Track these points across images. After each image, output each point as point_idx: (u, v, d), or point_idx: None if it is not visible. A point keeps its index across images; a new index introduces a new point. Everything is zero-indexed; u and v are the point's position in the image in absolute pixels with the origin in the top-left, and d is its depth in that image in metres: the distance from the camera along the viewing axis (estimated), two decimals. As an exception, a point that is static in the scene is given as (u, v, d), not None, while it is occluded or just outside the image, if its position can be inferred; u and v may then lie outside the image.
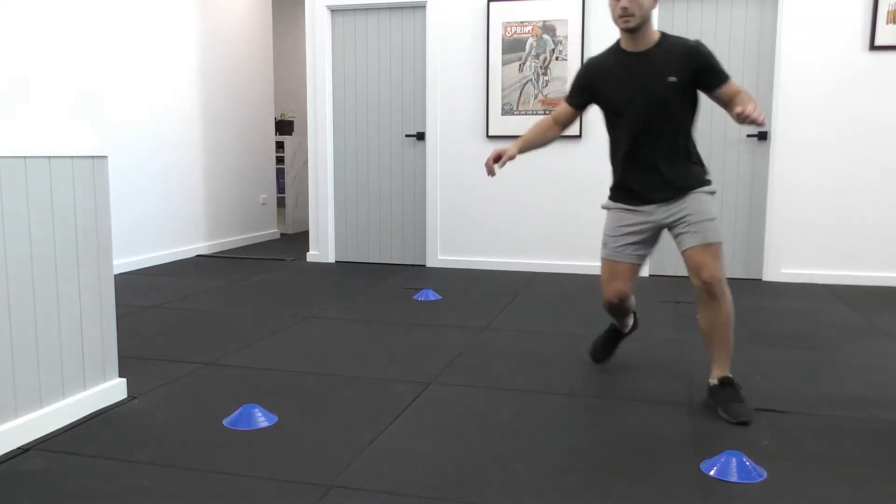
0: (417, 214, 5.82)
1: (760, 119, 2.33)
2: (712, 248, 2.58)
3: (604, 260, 2.83)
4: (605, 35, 5.23)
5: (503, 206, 5.58)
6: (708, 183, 2.69)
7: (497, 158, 2.71)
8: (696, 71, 2.57)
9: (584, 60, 2.86)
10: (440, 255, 5.75)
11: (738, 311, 4.17)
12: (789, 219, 5.09)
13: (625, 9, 2.51)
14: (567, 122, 2.87)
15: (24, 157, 2.28)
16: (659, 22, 5.17)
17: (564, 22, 5.28)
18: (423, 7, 5.62)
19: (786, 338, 3.62)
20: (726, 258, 5.26)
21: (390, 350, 3.40)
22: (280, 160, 8.08)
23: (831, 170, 5.00)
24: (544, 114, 5.35)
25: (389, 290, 4.83)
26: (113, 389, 2.69)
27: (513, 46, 5.39)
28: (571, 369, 3.11)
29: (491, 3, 5.38)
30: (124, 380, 2.76)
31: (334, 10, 5.82)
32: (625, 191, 2.78)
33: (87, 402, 2.57)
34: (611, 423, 2.51)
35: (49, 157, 2.38)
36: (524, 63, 5.38)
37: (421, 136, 5.74)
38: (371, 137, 5.86)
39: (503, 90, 5.44)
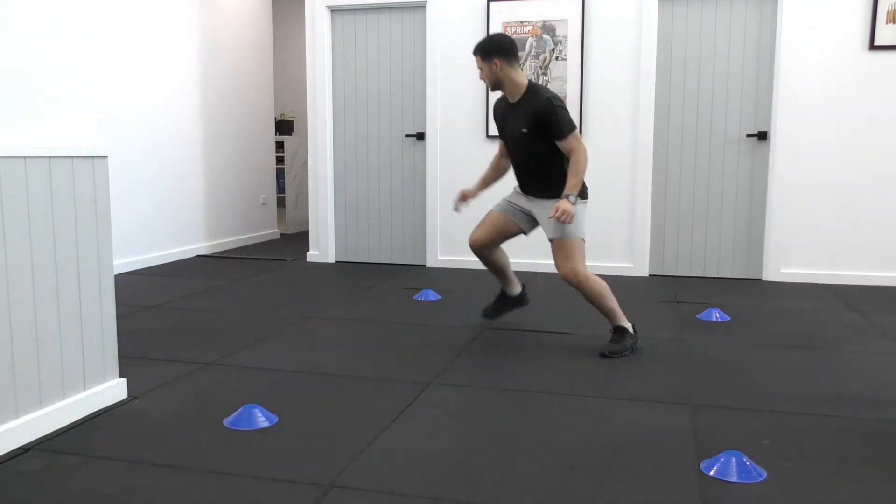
0: (417, 214, 5.83)
1: (566, 221, 3.13)
2: (565, 242, 3.28)
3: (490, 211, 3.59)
4: (604, 35, 5.23)
5: (503, 206, 5.57)
6: (563, 196, 3.26)
7: (463, 198, 3.54)
8: (541, 125, 3.25)
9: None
10: (440, 255, 5.75)
11: (737, 310, 4.20)
12: (789, 219, 5.09)
13: (481, 78, 3.39)
14: (506, 153, 3.57)
15: (24, 158, 2.29)
16: (659, 22, 5.17)
17: (564, 22, 5.28)
18: (423, 7, 5.63)
19: (786, 338, 3.62)
20: (727, 257, 5.28)
21: (390, 350, 3.40)
22: (280, 160, 8.08)
23: (831, 169, 5.00)
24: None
25: (389, 290, 4.83)
26: (113, 389, 2.69)
27: (513, 46, 5.38)
28: (571, 369, 3.11)
29: (491, 3, 5.38)
30: (124, 380, 2.76)
31: (334, 10, 5.82)
32: (518, 185, 3.55)
33: (87, 402, 2.57)
34: (611, 423, 2.51)
35: (49, 157, 2.38)
36: (524, 63, 5.38)
37: (421, 136, 5.74)
38: (371, 137, 5.87)
39: (503, 90, 5.44)
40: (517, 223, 3.50)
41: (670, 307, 4.32)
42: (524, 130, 3.28)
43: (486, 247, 3.52)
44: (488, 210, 3.49)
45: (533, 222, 3.52)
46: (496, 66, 3.29)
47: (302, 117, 8.84)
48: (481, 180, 3.61)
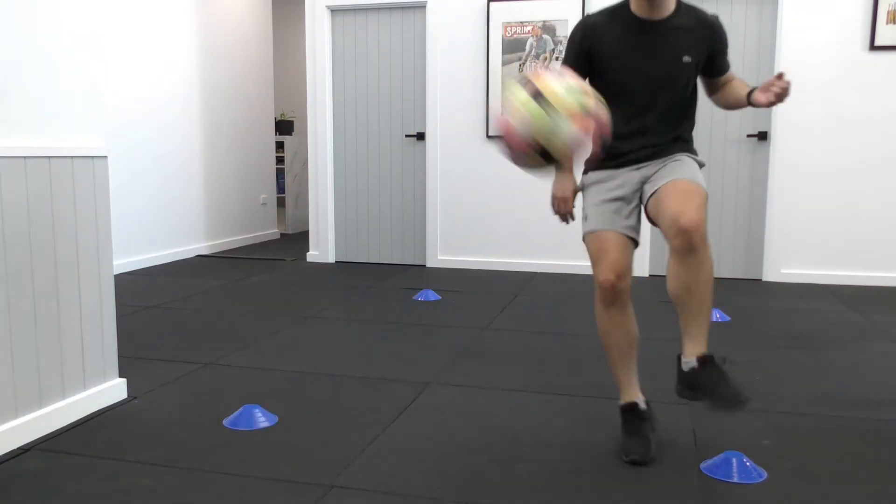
0: (417, 214, 5.82)
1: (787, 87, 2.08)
2: (696, 186, 2.16)
3: (591, 234, 2.27)
4: (605, 35, 5.23)
5: (503, 206, 5.58)
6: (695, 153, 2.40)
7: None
8: (712, 53, 2.25)
9: (582, 18, 2.31)
10: (440, 255, 5.75)
11: (737, 311, 4.19)
12: (789, 219, 5.09)
13: None
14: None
15: (24, 158, 2.28)
16: (659, 22, 5.17)
17: (564, 22, 5.28)
18: (423, 7, 5.62)
19: (786, 338, 3.62)
20: (726, 257, 5.28)
21: (390, 350, 3.40)
22: (280, 160, 8.07)
23: (831, 170, 5.00)
24: (544, 114, 5.35)
25: (389, 290, 4.83)
26: (113, 389, 2.69)
27: (513, 46, 5.39)
28: (571, 369, 3.11)
29: (491, 3, 5.38)
30: (124, 380, 2.76)
31: (334, 10, 5.82)
32: (614, 158, 2.27)
33: (87, 402, 2.57)
34: (611, 423, 2.51)
35: (49, 158, 2.38)
36: (524, 63, 5.38)
37: (421, 136, 5.74)
38: (371, 137, 5.86)
39: (503, 90, 5.44)
40: (632, 234, 2.27)
41: (670, 307, 4.30)
42: (686, 59, 2.20)
43: (624, 276, 2.27)
44: (590, 230, 2.29)
45: (638, 209, 2.30)
46: None
47: (302, 117, 8.83)
48: None
